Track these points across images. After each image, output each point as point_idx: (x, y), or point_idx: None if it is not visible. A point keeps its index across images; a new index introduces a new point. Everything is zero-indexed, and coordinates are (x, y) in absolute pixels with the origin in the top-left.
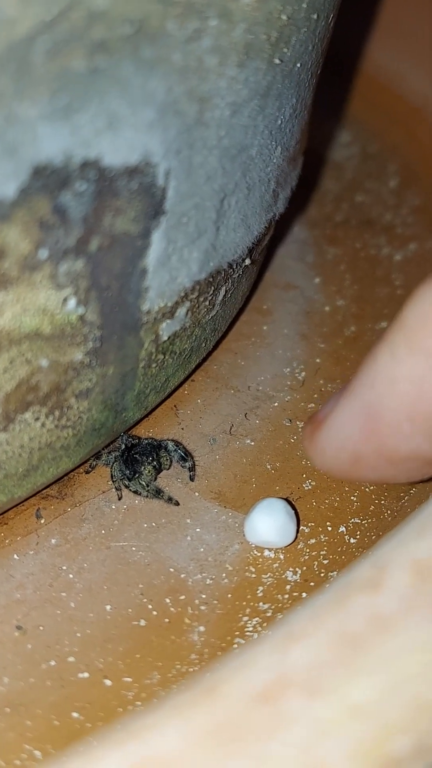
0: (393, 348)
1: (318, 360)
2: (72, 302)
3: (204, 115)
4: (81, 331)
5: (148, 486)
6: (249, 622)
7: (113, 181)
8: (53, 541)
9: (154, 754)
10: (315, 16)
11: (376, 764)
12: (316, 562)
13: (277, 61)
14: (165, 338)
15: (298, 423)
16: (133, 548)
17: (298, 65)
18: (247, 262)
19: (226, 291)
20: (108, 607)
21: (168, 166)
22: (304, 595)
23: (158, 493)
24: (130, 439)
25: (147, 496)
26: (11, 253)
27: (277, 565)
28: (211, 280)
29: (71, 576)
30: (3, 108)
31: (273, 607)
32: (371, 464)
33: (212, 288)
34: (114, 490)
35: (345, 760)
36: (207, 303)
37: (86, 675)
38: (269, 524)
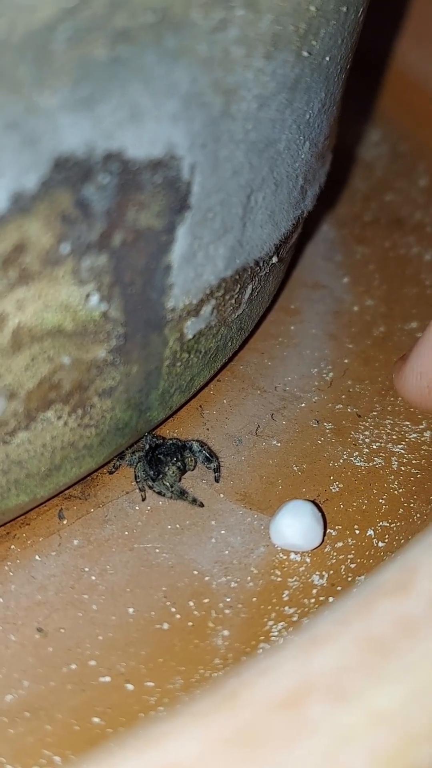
0: None
1: (346, 360)
2: (95, 298)
3: (230, 107)
4: (104, 329)
5: (172, 487)
6: (274, 626)
7: (137, 174)
8: (76, 542)
9: (173, 760)
10: (344, 9)
11: None
12: (343, 566)
13: (305, 53)
14: (190, 336)
15: (325, 424)
16: (157, 550)
17: (327, 59)
18: (275, 260)
19: (252, 289)
20: (130, 610)
21: (193, 160)
22: (330, 599)
23: (182, 494)
24: (154, 440)
25: (171, 497)
26: (33, 247)
27: (303, 568)
28: (237, 277)
29: (93, 578)
30: (23, 97)
31: (299, 611)
32: None
33: (238, 286)
34: (138, 490)
35: None
36: (233, 301)
37: (108, 679)
38: (295, 527)
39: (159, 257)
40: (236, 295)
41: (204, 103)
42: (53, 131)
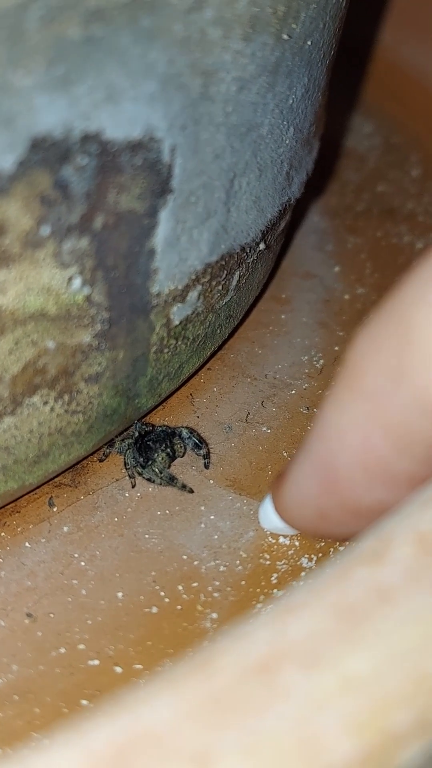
0: (337, 397)
1: (336, 348)
2: (77, 282)
3: (209, 89)
4: (88, 313)
5: (161, 473)
6: (263, 609)
7: (116, 155)
8: (65, 528)
9: (145, 726)
10: None
11: (373, 738)
12: (331, 549)
13: (285, 36)
14: (177, 323)
15: (315, 411)
16: (146, 536)
17: (309, 43)
18: (262, 246)
19: (240, 276)
20: (119, 595)
21: (173, 142)
22: None
23: (172, 480)
24: (143, 427)
25: (161, 484)
26: (12, 228)
27: (292, 551)
28: (223, 263)
29: (83, 563)
30: None
31: None
32: (338, 519)
33: (225, 272)
34: (127, 477)
35: (341, 733)
36: (220, 287)
37: (96, 662)
38: None
39: (142, 241)
40: (223, 282)
41: (182, 85)
42: (29, 111)
